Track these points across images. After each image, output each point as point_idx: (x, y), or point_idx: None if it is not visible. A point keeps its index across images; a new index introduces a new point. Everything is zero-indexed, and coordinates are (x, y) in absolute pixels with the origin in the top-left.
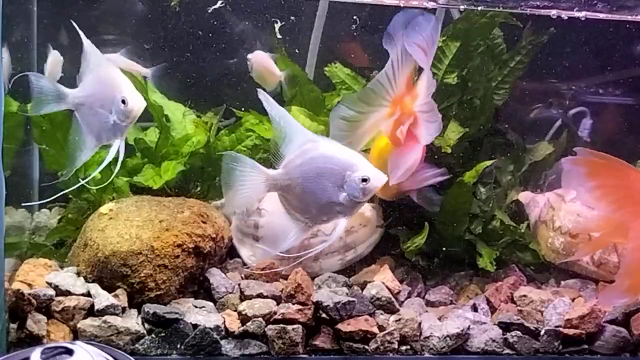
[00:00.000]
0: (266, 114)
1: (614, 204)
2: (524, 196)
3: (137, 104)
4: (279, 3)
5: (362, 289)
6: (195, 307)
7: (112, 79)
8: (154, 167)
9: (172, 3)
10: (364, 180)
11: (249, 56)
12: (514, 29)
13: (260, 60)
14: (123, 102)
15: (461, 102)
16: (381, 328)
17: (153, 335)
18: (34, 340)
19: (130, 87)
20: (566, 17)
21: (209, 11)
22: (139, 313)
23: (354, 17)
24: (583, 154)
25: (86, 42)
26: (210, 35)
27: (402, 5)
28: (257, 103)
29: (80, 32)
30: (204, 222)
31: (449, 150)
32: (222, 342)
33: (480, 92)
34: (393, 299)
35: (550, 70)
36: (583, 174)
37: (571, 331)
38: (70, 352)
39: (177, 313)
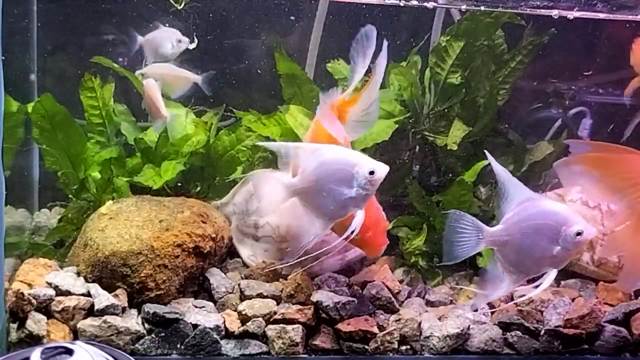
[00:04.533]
0: (265, 114)
1: (619, 192)
2: None
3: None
4: (279, 3)
5: (362, 289)
6: (195, 307)
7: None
8: (154, 167)
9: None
10: (578, 234)
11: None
12: (515, 29)
13: (149, 90)
14: (371, 172)
15: (464, 102)
16: (381, 328)
17: (153, 335)
18: (34, 340)
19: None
20: (571, 17)
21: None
22: (139, 313)
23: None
24: (575, 146)
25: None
26: (211, 34)
27: (402, 5)
28: (258, 103)
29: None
30: (204, 222)
31: (455, 148)
32: (222, 342)
33: (483, 91)
34: (393, 299)
35: (550, 70)
36: (580, 171)
37: (571, 331)
38: (70, 352)
39: (177, 313)
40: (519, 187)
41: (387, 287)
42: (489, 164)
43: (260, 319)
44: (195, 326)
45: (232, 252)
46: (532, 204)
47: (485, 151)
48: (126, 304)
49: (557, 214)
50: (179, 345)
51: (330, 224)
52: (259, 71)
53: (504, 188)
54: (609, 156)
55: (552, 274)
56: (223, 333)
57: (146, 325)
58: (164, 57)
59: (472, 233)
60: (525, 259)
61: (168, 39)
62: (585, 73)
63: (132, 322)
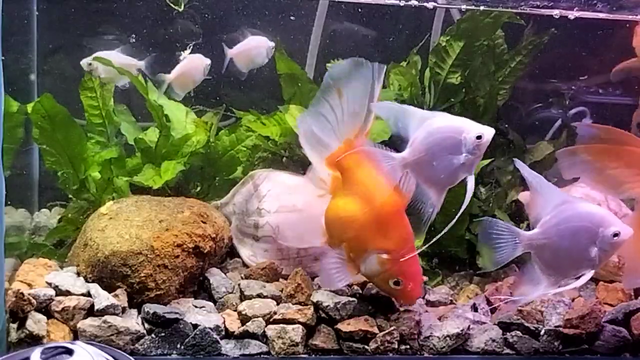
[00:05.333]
0: (264, 113)
1: (622, 185)
2: (524, 196)
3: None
4: (279, 2)
5: (362, 289)
6: (195, 307)
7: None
8: (154, 167)
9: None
10: (615, 235)
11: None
12: (515, 29)
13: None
14: (478, 137)
15: (464, 102)
16: (381, 328)
17: (153, 335)
18: (34, 340)
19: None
20: (572, 17)
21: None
22: (139, 313)
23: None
24: (583, 130)
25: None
26: (210, 34)
27: (402, 4)
28: (257, 103)
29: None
30: (204, 222)
31: None
32: (222, 342)
33: (483, 91)
34: (393, 299)
35: (550, 70)
36: (583, 161)
37: (571, 331)
38: (70, 352)
39: (177, 313)
40: (554, 191)
41: None
42: (489, 164)
43: (260, 319)
44: (195, 326)
45: (232, 252)
46: (568, 206)
47: (515, 159)
48: (126, 304)
49: (594, 216)
50: (179, 345)
51: (444, 193)
52: (259, 70)
53: (538, 192)
54: (614, 148)
55: (589, 274)
56: (223, 333)
57: (146, 325)
58: (258, 65)
59: (508, 238)
60: (563, 261)
61: (263, 48)
62: (586, 73)
63: (132, 322)
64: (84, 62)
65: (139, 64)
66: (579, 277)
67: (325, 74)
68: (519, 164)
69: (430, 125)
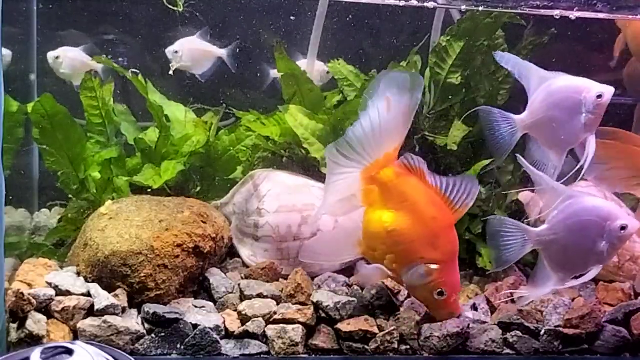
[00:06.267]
0: (264, 113)
1: (628, 182)
2: (524, 196)
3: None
4: (279, 2)
5: (362, 289)
6: (195, 307)
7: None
8: (154, 167)
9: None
10: (623, 228)
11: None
12: (515, 29)
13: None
14: (599, 96)
15: (464, 102)
16: (381, 328)
17: (153, 335)
18: (34, 340)
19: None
20: (574, 17)
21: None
22: (139, 313)
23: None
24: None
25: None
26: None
27: (402, 4)
28: (257, 103)
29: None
30: (204, 222)
31: (455, 148)
32: (222, 342)
33: (483, 91)
34: (393, 299)
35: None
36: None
37: (571, 331)
38: (70, 352)
39: (177, 313)
40: (559, 187)
41: (387, 287)
42: (489, 164)
43: (260, 319)
44: (195, 326)
45: (232, 252)
46: (575, 201)
47: (517, 155)
48: (126, 304)
49: (600, 209)
50: (179, 345)
51: (564, 154)
52: (259, 70)
53: (543, 189)
54: (620, 145)
55: (597, 269)
56: (223, 333)
57: (146, 325)
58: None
59: (517, 236)
60: (572, 256)
61: (318, 72)
62: (587, 73)
63: (132, 322)
64: (50, 55)
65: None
66: (586, 273)
67: (375, 80)
68: (521, 160)
69: (549, 86)
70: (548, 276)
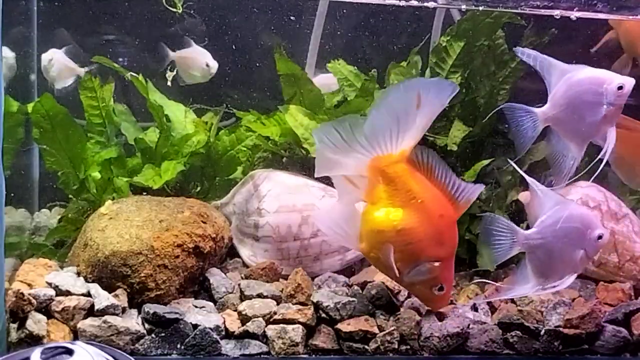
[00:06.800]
0: (264, 113)
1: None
2: (524, 196)
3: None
4: (279, 2)
5: (362, 289)
6: (195, 307)
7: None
8: (154, 167)
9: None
10: (599, 237)
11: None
12: (515, 28)
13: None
14: (619, 87)
15: (464, 102)
16: (381, 328)
17: (153, 335)
18: (34, 340)
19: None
20: (574, 18)
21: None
22: (139, 313)
23: None
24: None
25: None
26: (211, 35)
27: (402, 4)
28: (257, 103)
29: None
30: (204, 222)
31: (455, 148)
32: (222, 342)
33: (483, 92)
34: (393, 299)
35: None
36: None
37: (571, 331)
38: (70, 352)
39: (177, 313)
40: (549, 192)
41: (387, 287)
42: (489, 164)
43: (260, 319)
44: (195, 326)
45: (232, 252)
46: (562, 207)
47: (510, 161)
48: (126, 304)
49: (584, 217)
50: (179, 346)
51: (585, 146)
52: (258, 67)
53: (535, 193)
54: (630, 133)
55: (572, 277)
56: (223, 333)
57: (146, 325)
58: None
59: (506, 236)
60: (555, 262)
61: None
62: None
63: (132, 322)
64: (44, 57)
65: (79, 70)
66: (562, 281)
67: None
68: (514, 165)
69: (570, 78)
70: (527, 279)
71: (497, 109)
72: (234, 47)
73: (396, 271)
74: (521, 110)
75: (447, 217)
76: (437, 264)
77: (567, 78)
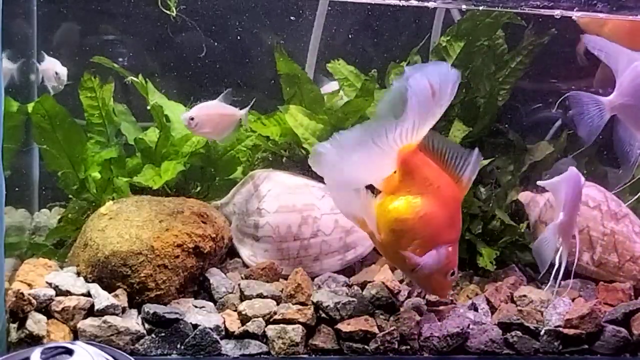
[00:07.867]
0: (264, 113)
1: None
2: (524, 196)
3: None
4: (279, 2)
5: (362, 289)
6: (195, 307)
7: None
8: (154, 167)
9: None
10: None
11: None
12: (515, 29)
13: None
14: None
15: (464, 102)
16: (381, 328)
17: (153, 335)
18: (34, 340)
19: None
20: (575, 18)
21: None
22: (139, 313)
23: None
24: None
25: None
26: (211, 35)
27: (402, 4)
28: (257, 103)
29: None
30: (204, 222)
31: None
32: (222, 342)
33: (483, 92)
34: (393, 299)
35: (550, 70)
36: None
37: (571, 331)
38: (70, 352)
39: (177, 313)
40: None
41: (387, 287)
42: (489, 163)
43: (260, 319)
44: (195, 326)
45: (232, 252)
46: (636, 64)
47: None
48: (126, 304)
49: None
50: (179, 346)
51: None
52: (259, 70)
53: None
54: None
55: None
56: (223, 333)
57: (146, 325)
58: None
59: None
60: None
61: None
62: (587, 72)
63: (132, 322)
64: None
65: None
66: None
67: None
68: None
69: (638, 66)
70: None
71: (564, 97)
72: (233, 47)
73: (417, 259)
74: (587, 99)
75: (457, 200)
76: (450, 248)
77: (635, 66)
